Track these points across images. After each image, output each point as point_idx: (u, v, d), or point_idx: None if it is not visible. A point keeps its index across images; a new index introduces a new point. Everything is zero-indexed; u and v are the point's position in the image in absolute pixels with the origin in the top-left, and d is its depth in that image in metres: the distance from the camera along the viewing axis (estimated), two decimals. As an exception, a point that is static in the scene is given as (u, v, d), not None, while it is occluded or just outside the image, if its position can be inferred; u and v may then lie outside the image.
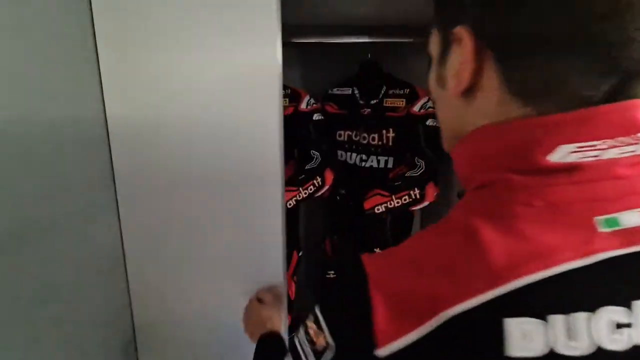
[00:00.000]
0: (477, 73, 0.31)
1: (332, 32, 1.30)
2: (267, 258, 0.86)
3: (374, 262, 0.31)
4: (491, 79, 0.30)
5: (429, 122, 1.21)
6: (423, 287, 0.27)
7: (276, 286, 0.86)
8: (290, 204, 1.27)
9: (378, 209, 1.23)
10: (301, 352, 0.35)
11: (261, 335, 0.71)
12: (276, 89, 0.75)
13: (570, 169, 0.27)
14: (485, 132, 0.31)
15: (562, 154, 0.27)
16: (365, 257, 0.32)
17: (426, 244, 0.31)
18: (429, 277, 0.27)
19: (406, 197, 1.20)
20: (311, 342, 0.34)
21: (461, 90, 0.32)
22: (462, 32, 0.30)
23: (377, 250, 1.39)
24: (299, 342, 0.35)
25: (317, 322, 0.34)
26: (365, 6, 1.09)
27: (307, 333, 0.34)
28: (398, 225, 1.40)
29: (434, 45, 0.37)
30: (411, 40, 1.30)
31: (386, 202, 1.22)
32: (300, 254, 1.44)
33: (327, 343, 0.32)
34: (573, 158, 0.27)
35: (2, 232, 0.55)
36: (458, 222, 0.30)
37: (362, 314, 0.28)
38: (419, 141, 1.22)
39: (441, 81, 0.36)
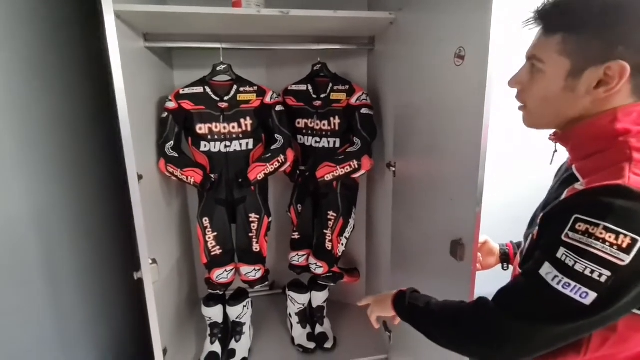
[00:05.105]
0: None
1: (292, 41, 1.68)
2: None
3: None
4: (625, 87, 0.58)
5: (363, 110, 1.60)
6: None
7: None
8: (260, 177, 1.63)
9: (327, 177, 1.61)
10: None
11: (394, 296, 0.86)
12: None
13: None
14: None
15: None
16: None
17: None
18: None
19: (347, 167, 1.58)
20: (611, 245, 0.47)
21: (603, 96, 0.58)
22: (619, 66, 0.55)
23: (331, 213, 1.76)
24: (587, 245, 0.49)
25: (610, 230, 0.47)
26: (318, 22, 1.45)
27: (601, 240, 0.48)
28: (346, 194, 1.78)
29: (558, 65, 0.61)
30: (350, 47, 1.71)
31: (333, 171, 1.60)
32: (270, 219, 1.80)
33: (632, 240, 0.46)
34: None
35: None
36: None
37: None
38: (356, 125, 1.61)
39: (571, 88, 0.60)
